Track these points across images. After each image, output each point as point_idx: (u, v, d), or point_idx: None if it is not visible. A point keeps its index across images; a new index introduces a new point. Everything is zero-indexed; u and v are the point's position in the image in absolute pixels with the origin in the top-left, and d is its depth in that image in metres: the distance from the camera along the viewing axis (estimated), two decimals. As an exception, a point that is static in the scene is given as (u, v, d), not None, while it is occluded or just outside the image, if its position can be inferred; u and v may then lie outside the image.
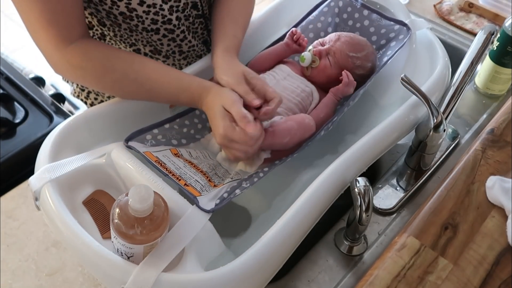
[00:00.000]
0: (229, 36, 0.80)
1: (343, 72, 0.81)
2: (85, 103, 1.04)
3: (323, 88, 0.84)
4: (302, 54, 0.83)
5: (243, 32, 0.84)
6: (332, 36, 0.86)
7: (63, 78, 1.07)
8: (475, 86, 1.04)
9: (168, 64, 0.93)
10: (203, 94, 0.72)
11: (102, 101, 1.01)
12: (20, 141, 1.11)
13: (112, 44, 0.89)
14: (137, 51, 0.89)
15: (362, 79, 0.84)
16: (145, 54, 0.90)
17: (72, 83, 1.04)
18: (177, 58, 0.92)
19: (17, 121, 1.15)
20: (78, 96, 1.04)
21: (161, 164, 0.66)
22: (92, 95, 1.01)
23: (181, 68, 0.94)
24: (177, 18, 0.83)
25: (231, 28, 0.81)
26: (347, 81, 0.80)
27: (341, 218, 0.79)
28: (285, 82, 0.81)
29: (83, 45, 0.71)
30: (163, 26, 0.83)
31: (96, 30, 0.87)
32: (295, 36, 0.84)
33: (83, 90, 1.02)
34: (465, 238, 0.70)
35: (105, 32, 0.86)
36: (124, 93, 0.74)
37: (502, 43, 0.94)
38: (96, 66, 0.71)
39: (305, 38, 0.84)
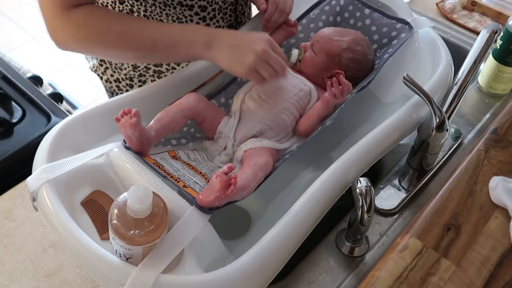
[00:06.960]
0: None
1: (329, 79, 0.76)
2: (101, 78, 1.07)
3: (319, 82, 0.83)
4: (291, 51, 0.84)
5: None
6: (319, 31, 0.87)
7: (85, 57, 1.08)
8: (478, 85, 1.03)
9: None
10: (215, 31, 0.77)
11: (117, 79, 1.03)
12: (18, 141, 1.09)
13: None
14: None
15: (357, 65, 0.83)
16: None
17: (92, 57, 1.05)
18: None
19: (14, 120, 1.14)
20: (95, 71, 1.06)
21: (159, 166, 0.65)
22: (109, 71, 1.03)
23: None
24: None
25: None
26: (337, 86, 0.74)
27: (342, 219, 0.79)
28: (283, 81, 0.80)
29: (87, 7, 0.75)
30: (198, 3, 0.88)
31: (126, 5, 0.89)
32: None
33: (101, 65, 1.03)
34: (468, 239, 0.70)
35: (134, 8, 0.89)
36: (127, 44, 0.76)
37: (505, 42, 0.93)
38: (100, 22, 0.75)
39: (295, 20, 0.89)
